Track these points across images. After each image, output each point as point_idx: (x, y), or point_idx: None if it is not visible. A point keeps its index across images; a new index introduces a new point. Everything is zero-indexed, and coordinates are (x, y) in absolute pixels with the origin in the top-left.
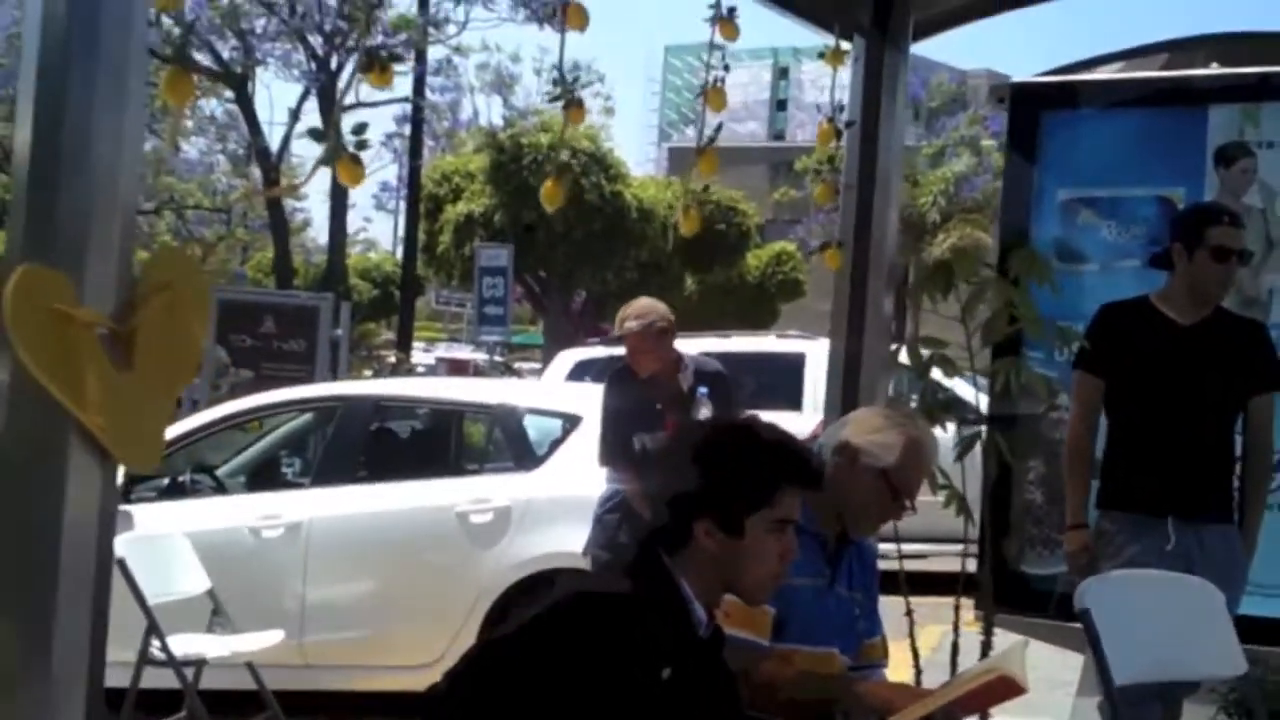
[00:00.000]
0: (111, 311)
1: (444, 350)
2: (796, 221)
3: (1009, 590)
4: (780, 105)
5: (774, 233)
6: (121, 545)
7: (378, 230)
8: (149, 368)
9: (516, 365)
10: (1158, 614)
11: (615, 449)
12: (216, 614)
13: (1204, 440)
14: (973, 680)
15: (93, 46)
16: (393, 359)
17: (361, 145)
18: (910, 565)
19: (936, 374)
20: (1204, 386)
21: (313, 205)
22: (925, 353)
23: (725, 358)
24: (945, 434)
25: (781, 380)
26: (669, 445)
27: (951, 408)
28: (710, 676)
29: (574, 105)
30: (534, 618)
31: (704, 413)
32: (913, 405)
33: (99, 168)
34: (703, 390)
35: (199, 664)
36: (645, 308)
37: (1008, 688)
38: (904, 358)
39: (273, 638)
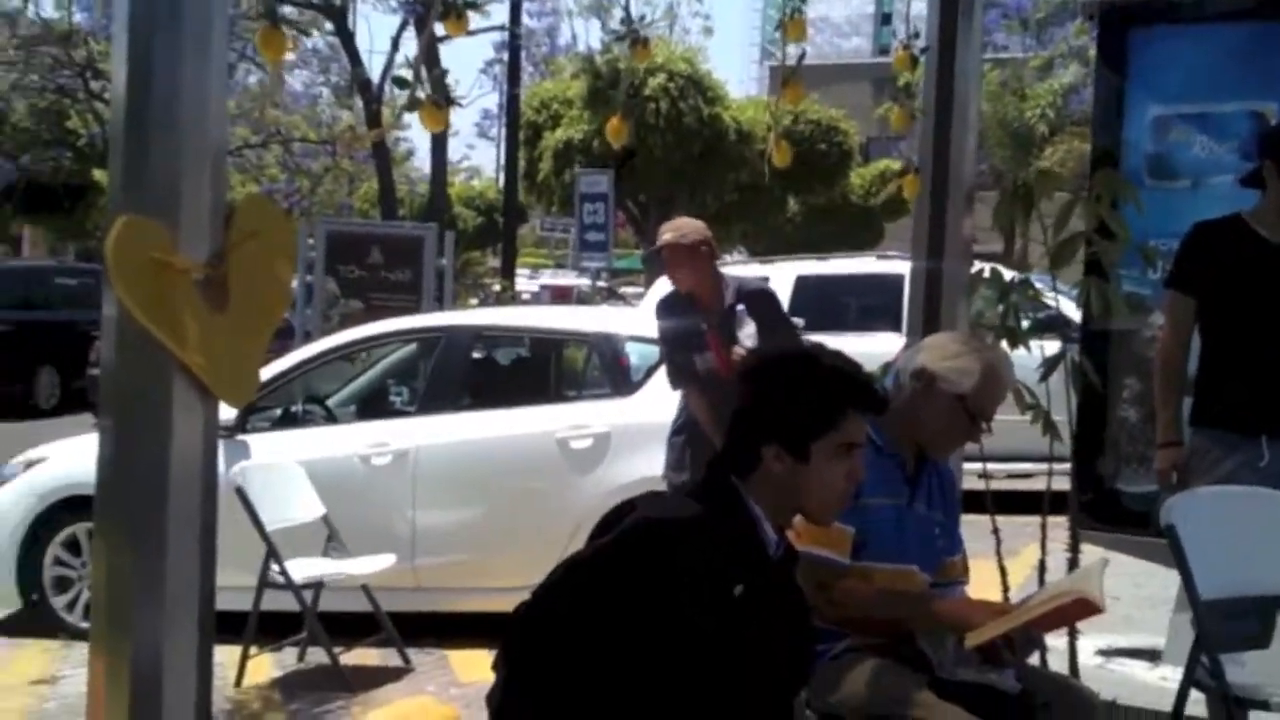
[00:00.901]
0: (205, 258)
1: (548, 277)
2: (901, 139)
3: (1104, 508)
4: (885, 19)
5: (878, 150)
6: (240, 474)
7: (481, 158)
8: (241, 309)
9: (621, 290)
10: (1245, 529)
11: (678, 371)
12: (331, 539)
13: None
14: (1050, 600)
15: (177, 4)
16: (497, 287)
17: (441, 90)
18: (1005, 485)
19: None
20: None
21: (415, 135)
22: (1009, 275)
23: (824, 280)
24: (1030, 354)
25: (882, 301)
26: (741, 374)
27: (1052, 326)
28: (782, 594)
29: (639, 44)
30: (610, 541)
31: (747, 329)
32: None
33: (187, 121)
34: (741, 307)
35: (316, 587)
36: (680, 223)
37: (1084, 608)
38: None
39: (384, 561)
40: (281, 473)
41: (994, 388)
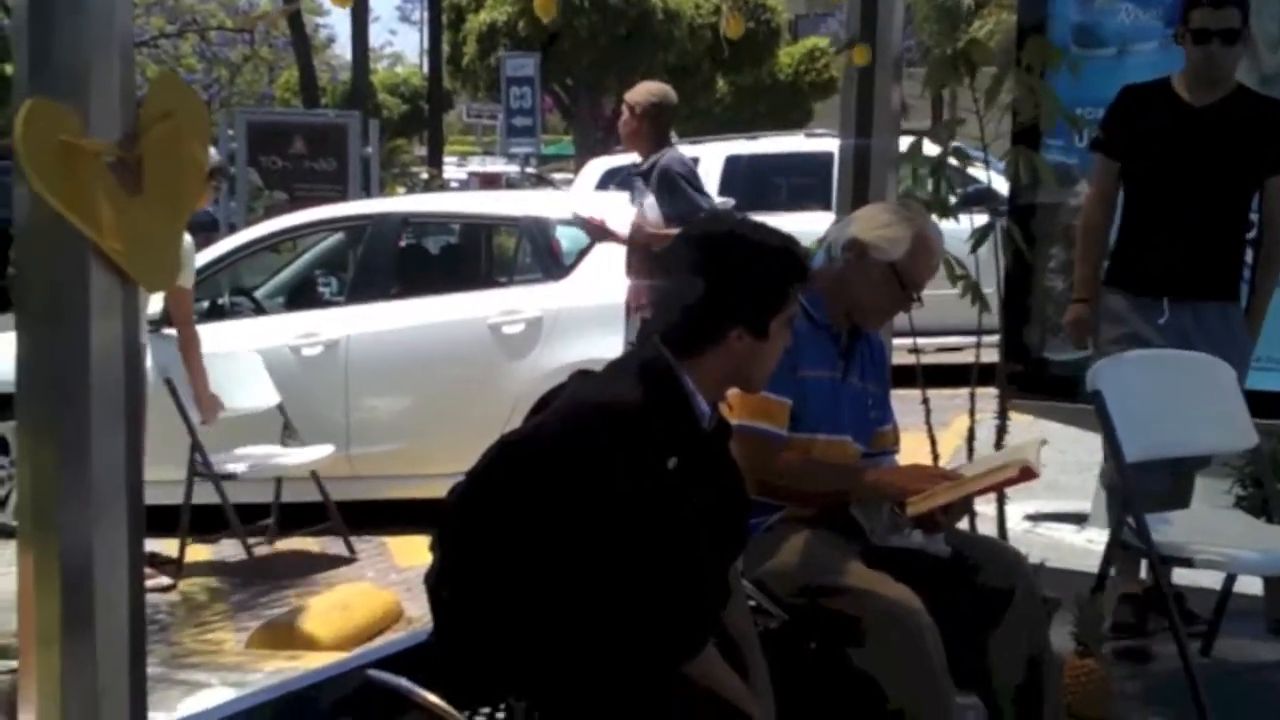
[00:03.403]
0: (117, 139)
1: (476, 164)
2: (829, 14)
3: (1031, 377)
4: None
5: (806, 28)
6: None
7: (404, 43)
8: (157, 192)
9: (551, 176)
10: (1169, 392)
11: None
12: (287, 428)
13: (1212, 221)
14: (990, 474)
15: None
16: (425, 175)
17: None
18: (935, 359)
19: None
20: (1215, 168)
21: (336, 21)
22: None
23: (753, 159)
24: (959, 225)
25: (812, 179)
26: (676, 253)
27: (981, 200)
28: (715, 466)
29: None
30: (542, 419)
31: (647, 200)
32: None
33: (94, 4)
34: (639, 182)
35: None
36: (641, 85)
37: (1022, 474)
38: (928, 148)
39: (322, 451)
40: (239, 361)
41: (925, 256)
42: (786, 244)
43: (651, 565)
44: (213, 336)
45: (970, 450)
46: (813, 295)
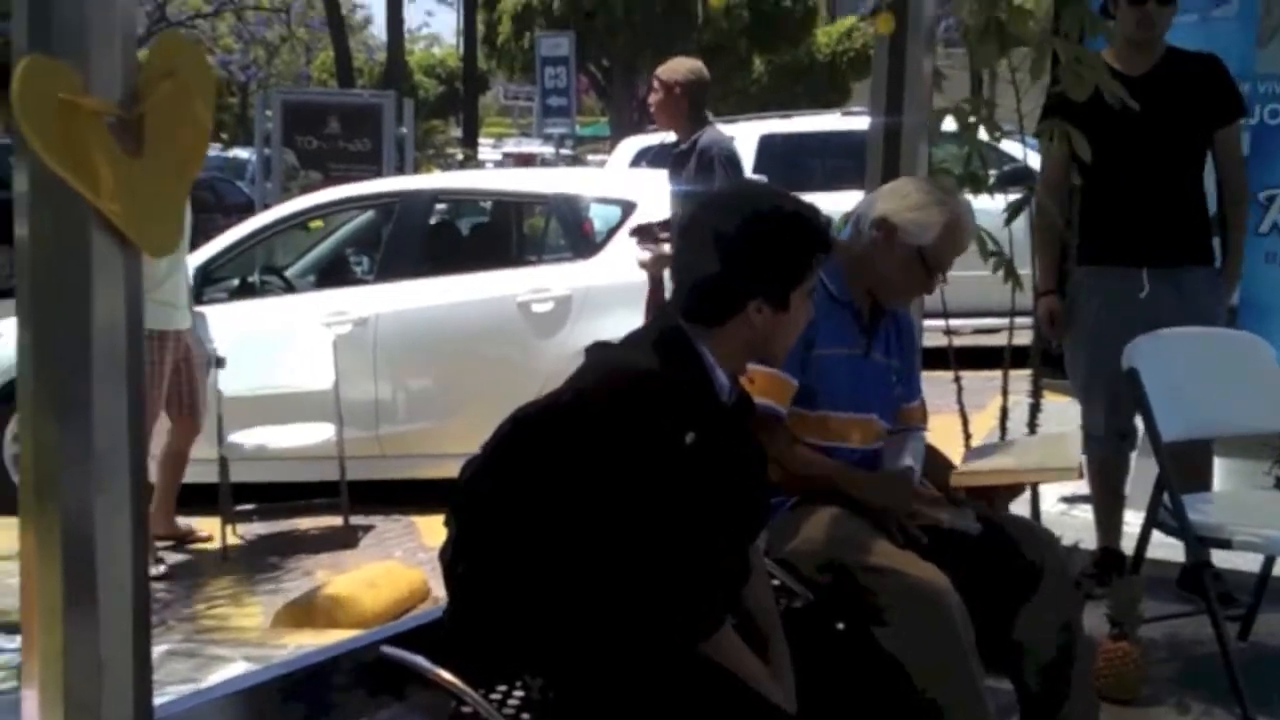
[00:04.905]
0: (118, 99)
1: (512, 145)
2: None
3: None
4: None
5: (844, 7)
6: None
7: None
8: (159, 153)
9: (587, 157)
10: (1207, 370)
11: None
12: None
13: (1173, 186)
14: (1040, 472)
15: None
16: (460, 156)
17: None
18: (971, 341)
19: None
20: (1165, 133)
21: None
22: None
23: (789, 138)
24: (994, 202)
25: (848, 159)
26: (695, 223)
27: (1017, 179)
28: (735, 441)
29: None
30: (558, 393)
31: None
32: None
33: None
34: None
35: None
36: (671, 62)
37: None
38: (950, 124)
39: (322, 432)
40: (304, 339)
41: (955, 240)
42: (808, 213)
43: (668, 542)
44: (242, 314)
45: (1003, 430)
46: (832, 270)
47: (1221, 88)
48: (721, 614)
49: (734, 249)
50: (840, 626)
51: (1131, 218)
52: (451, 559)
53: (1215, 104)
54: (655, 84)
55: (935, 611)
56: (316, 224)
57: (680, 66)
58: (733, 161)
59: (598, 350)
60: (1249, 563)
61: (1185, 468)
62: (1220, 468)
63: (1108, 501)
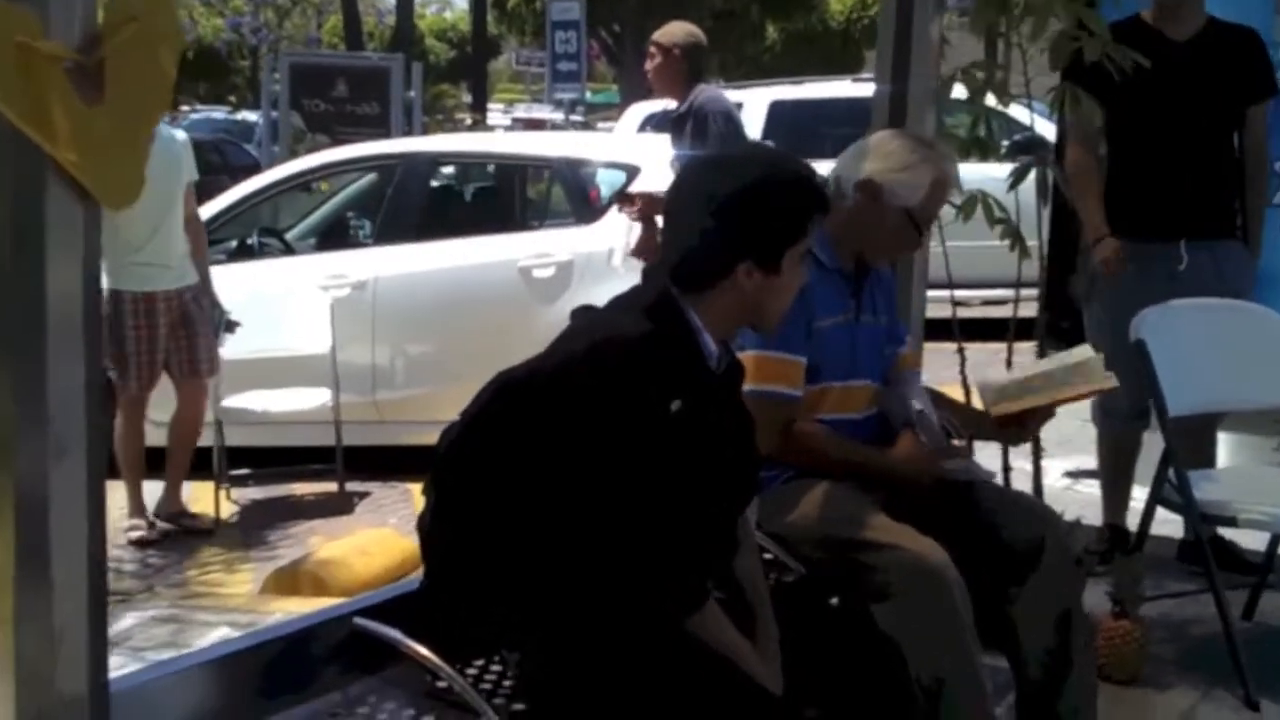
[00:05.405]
0: (76, 44)
1: (523, 111)
2: None
3: (1075, 330)
4: None
5: None
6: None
7: None
8: (119, 102)
9: (598, 124)
10: (1216, 343)
11: None
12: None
13: (1207, 157)
14: (1074, 386)
15: None
16: (468, 120)
17: None
18: (979, 313)
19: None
20: (1203, 102)
21: None
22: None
23: (799, 104)
24: (1003, 169)
25: (860, 127)
26: (685, 183)
27: (1030, 148)
28: (723, 409)
29: None
30: (541, 358)
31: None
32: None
33: None
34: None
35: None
36: (667, 26)
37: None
38: (959, 90)
39: (319, 397)
40: (302, 301)
41: (942, 196)
42: (803, 171)
43: (651, 514)
44: (240, 276)
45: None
46: (820, 238)
47: (1260, 64)
48: (706, 589)
49: (724, 208)
50: (835, 602)
51: (1169, 187)
52: (429, 529)
53: (1253, 79)
54: (652, 49)
55: (935, 587)
56: (324, 186)
57: (677, 30)
58: (730, 120)
59: (582, 315)
60: (1257, 541)
61: (1189, 443)
62: (1226, 443)
63: (1117, 479)
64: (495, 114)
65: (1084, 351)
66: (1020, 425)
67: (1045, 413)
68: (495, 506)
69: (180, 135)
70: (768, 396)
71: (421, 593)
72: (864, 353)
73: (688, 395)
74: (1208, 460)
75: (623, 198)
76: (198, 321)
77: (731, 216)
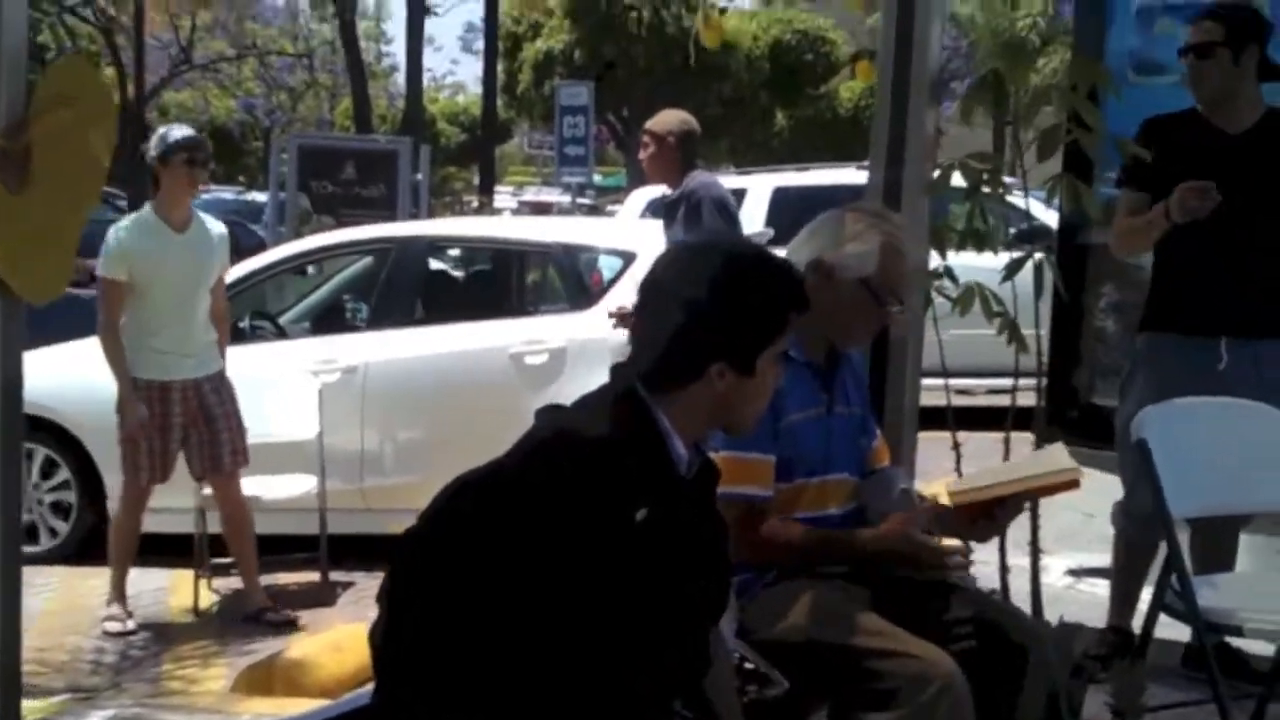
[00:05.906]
0: (1, 128)
1: (531, 194)
2: None
3: (1079, 423)
4: None
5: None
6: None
7: (465, 74)
8: (47, 189)
9: (607, 208)
10: (1221, 443)
11: None
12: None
13: (1263, 253)
14: (1041, 478)
15: None
16: (475, 203)
17: None
18: (983, 401)
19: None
20: (1259, 196)
21: (398, 49)
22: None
23: (803, 191)
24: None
25: None
26: (656, 277)
27: (1033, 237)
28: (693, 516)
29: None
30: (502, 460)
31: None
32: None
33: None
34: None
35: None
36: (661, 114)
37: (1070, 484)
38: (958, 179)
39: (303, 484)
40: (289, 386)
41: (896, 262)
42: (781, 268)
43: (613, 631)
44: (231, 360)
45: None
46: None
47: None
48: (670, 712)
49: (698, 306)
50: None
51: (1212, 283)
52: (381, 640)
53: None
54: (645, 138)
55: (946, 698)
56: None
57: (671, 118)
58: (723, 206)
59: (547, 414)
60: (1266, 646)
61: (1207, 544)
62: (1242, 544)
63: (1128, 581)
64: (503, 196)
65: (1056, 447)
66: (989, 518)
67: (1014, 505)
68: (449, 620)
69: (220, 229)
70: (738, 499)
71: (373, 708)
72: (839, 445)
73: (654, 502)
74: (1224, 563)
75: (613, 313)
76: (218, 413)
77: (705, 315)
